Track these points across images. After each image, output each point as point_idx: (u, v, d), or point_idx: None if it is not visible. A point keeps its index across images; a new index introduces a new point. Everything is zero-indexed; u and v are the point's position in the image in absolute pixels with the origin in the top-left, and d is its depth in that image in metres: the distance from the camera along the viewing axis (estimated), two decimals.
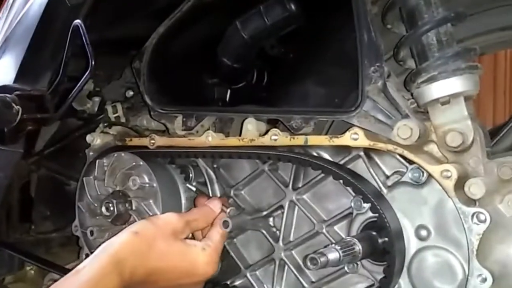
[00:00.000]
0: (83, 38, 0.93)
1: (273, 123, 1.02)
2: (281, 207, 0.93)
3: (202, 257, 0.84)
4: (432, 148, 0.81)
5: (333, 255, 0.74)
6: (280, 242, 0.93)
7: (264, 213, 0.96)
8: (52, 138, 1.25)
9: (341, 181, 0.83)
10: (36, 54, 1.05)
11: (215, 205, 0.94)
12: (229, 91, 1.11)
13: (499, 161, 0.77)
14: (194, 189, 1.05)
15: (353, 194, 0.85)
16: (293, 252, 0.93)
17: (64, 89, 1.06)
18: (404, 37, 0.81)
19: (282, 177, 0.95)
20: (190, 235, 0.91)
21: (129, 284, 0.75)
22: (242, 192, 1.01)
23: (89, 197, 1.08)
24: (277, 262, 0.93)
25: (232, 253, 0.99)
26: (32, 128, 1.07)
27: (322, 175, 0.88)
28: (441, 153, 0.80)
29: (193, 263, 0.83)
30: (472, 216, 0.73)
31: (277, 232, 0.94)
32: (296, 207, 0.92)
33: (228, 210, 0.94)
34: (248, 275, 0.97)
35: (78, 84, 0.95)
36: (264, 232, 0.95)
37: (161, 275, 0.80)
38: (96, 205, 1.06)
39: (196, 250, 0.84)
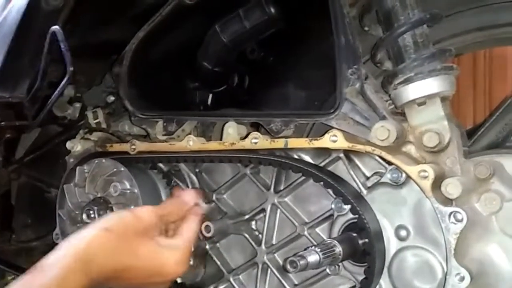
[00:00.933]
0: (61, 44, 0.92)
1: (256, 126, 1.02)
2: (263, 210, 0.93)
3: (173, 257, 0.82)
4: (410, 148, 0.81)
5: (313, 258, 0.74)
6: (263, 246, 0.93)
7: (246, 216, 0.96)
8: (33, 145, 1.24)
9: (321, 183, 0.83)
10: (14, 60, 1.04)
11: (190, 197, 0.92)
12: (210, 95, 1.11)
13: (475, 161, 0.78)
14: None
15: (334, 196, 0.85)
16: (275, 255, 0.93)
17: (43, 96, 1.05)
18: (381, 39, 0.82)
19: (264, 180, 0.95)
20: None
21: (97, 281, 0.73)
22: (224, 196, 1.00)
23: (69, 204, 1.07)
24: (260, 266, 0.93)
25: (215, 258, 0.99)
26: (10, 135, 1.06)
27: (303, 177, 0.88)
28: (418, 153, 0.80)
29: (163, 263, 0.81)
30: (449, 215, 0.74)
31: (260, 235, 0.94)
32: (278, 210, 0.93)
33: (203, 205, 0.92)
34: (231, 279, 0.97)
35: (56, 91, 0.94)
36: (247, 235, 0.95)
37: (132, 272, 0.78)
38: (77, 212, 1.05)
39: (167, 251, 0.82)
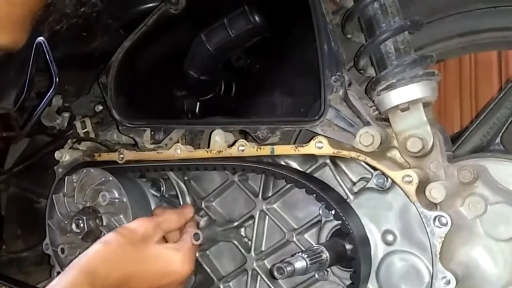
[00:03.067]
0: (47, 55, 0.92)
1: (244, 134, 1.02)
2: (252, 217, 0.94)
3: (177, 256, 0.85)
4: (395, 154, 0.82)
5: (299, 264, 0.75)
6: (252, 252, 0.93)
7: (235, 223, 0.96)
8: (22, 155, 1.24)
9: (304, 189, 0.83)
10: (0, 71, 1.04)
11: (187, 209, 0.95)
12: (197, 103, 1.11)
13: (459, 165, 0.78)
14: (158, 194, 1.04)
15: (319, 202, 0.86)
16: (265, 261, 0.93)
17: (31, 106, 1.06)
18: (363, 46, 0.83)
19: (252, 187, 0.96)
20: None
21: None
22: (213, 203, 1.01)
23: (59, 214, 1.07)
24: (250, 272, 0.93)
25: (205, 265, 0.99)
26: None
27: (288, 184, 0.89)
28: (403, 158, 0.81)
29: (168, 263, 0.84)
30: (434, 219, 0.75)
31: (249, 242, 0.95)
32: (267, 217, 0.93)
33: (200, 220, 0.95)
34: (221, 286, 0.97)
35: (43, 102, 0.94)
36: (236, 242, 0.95)
37: (139, 280, 0.81)
38: (66, 222, 1.05)
39: (169, 251, 0.85)
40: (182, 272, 0.85)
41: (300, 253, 0.77)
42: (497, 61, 1.60)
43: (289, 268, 0.73)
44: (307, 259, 0.75)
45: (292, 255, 0.77)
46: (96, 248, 0.79)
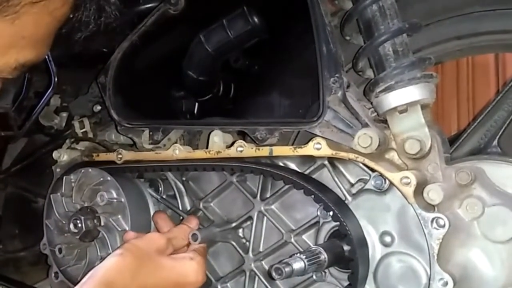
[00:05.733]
0: None
1: (243, 135, 1.03)
2: (250, 218, 0.94)
3: (191, 266, 0.86)
4: (393, 155, 0.82)
5: (298, 265, 0.75)
6: (250, 253, 0.93)
7: (234, 224, 0.96)
8: (20, 155, 1.24)
9: (302, 190, 0.84)
10: None
11: (192, 222, 0.95)
12: (196, 104, 1.12)
13: (457, 167, 0.79)
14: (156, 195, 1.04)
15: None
16: (263, 262, 0.93)
17: (29, 106, 1.06)
18: (362, 48, 0.83)
19: (250, 188, 0.96)
20: None
21: None
22: (211, 204, 1.01)
23: (56, 214, 1.07)
24: (248, 273, 0.93)
25: None
26: None
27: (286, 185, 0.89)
28: (401, 160, 0.81)
29: (183, 274, 0.85)
30: (432, 221, 0.75)
31: (247, 243, 0.95)
32: (265, 218, 0.93)
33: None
34: (219, 287, 0.97)
35: (41, 101, 0.95)
36: (234, 243, 0.95)
37: None
38: (64, 222, 1.05)
39: (184, 261, 0.86)
40: (197, 281, 0.86)
41: (298, 254, 0.77)
42: (494, 64, 1.61)
43: (287, 269, 0.74)
44: (305, 260, 0.76)
45: (290, 256, 0.77)
46: (112, 260, 0.80)
